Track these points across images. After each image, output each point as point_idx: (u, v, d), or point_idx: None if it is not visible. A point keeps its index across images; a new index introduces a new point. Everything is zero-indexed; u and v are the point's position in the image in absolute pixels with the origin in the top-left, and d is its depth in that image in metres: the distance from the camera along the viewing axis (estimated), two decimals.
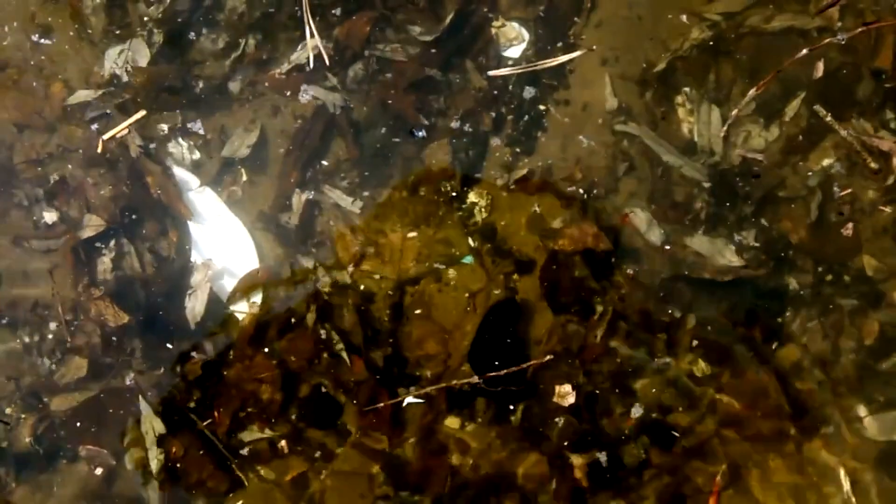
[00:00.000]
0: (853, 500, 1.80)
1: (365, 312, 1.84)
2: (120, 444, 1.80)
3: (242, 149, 1.89)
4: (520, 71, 1.92)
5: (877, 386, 1.85)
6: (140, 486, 1.79)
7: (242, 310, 1.84)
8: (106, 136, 1.83)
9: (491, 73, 1.91)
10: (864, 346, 1.86)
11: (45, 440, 1.80)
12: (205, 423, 1.79)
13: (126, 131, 1.86)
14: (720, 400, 1.83)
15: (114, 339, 1.81)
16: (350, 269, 1.86)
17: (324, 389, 1.82)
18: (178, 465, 1.79)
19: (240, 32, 1.92)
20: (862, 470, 1.82)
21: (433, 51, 1.92)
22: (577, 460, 1.80)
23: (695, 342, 1.84)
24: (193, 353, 1.83)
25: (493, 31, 1.94)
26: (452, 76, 1.92)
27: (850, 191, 1.90)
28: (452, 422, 1.83)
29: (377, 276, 1.86)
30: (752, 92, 1.87)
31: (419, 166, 1.90)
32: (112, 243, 1.84)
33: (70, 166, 1.87)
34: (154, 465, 1.77)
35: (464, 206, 1.89)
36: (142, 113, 1.84)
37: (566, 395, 1.81)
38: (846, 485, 1.81)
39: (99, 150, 1.83)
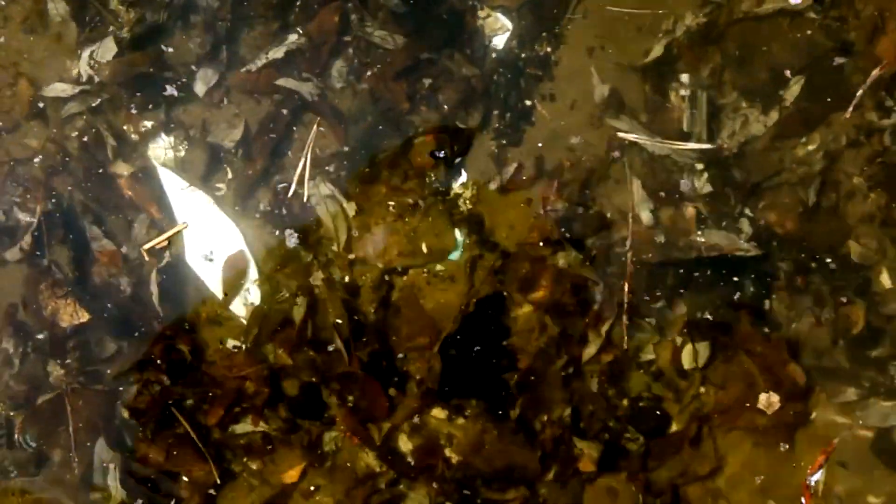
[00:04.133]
0: (841, 487, 1.82)
1: (351, 305, 1.83)
2: (92, 443, 1.81)
3: (226, 142, 1.88)
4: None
5: (866, 373, 1.84)
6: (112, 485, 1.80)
7: (241, 306, 1.85)
8: (146, 246, 1.84)
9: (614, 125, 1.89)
10: (852, 333, 1.85)
11: (21, 440, 1.82)
12: (188, 419, 1.80)
13: (108, 138, 1.86)
14: (710, 388, 1.83)
15: (86, 335, 1.83)
16: (336, 261, 1.85)
17: (311, 384, 1.81)
18: (155, 461, 1.80)
19: (216, 26, 1.90)
20: (852, 457, 1.82)
21: (418, 40, 1.90)
22: (574, 448, 1.80)
23: (685, 329, 1.84)
24: (168, 344, 1.83)
25: (479, 21, 1.93)
26: (439, 66, 1.90)
27: (840, 176, 1.89)
28: (439, 413, 1.82)
29: (364, 269, 1.85)
30: (875, 72, 1.87)
31: (405, 158, 1.88)
32: (83, 241, 1.85)
33: (37, 165, 1.87)
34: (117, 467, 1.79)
35: (448, 197, 1.87)
36: (183, 225, 1.85)
37: (772, 402, 1.80)
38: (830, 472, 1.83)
39: (146, 258, 1.85)
